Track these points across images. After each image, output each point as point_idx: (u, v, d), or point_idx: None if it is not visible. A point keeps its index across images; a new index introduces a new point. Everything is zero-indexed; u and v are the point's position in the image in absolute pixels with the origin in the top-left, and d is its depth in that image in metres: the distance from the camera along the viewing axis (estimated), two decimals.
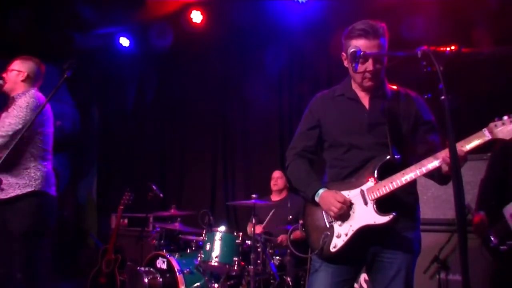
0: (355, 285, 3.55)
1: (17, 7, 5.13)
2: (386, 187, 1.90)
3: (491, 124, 1.77)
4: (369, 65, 1.95)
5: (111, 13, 5.67)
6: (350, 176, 2.05)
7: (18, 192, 2.93)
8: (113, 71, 7.04)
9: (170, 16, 5.76)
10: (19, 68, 3.15)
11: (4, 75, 3.14)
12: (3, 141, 2.87)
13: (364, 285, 3.62)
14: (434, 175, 1.92)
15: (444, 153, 1.79)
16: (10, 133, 2.89)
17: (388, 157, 1.96)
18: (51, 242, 3.18)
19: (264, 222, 4.28)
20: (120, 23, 6.18)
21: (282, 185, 4.74)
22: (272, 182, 4.79)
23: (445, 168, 1.81)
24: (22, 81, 3.14)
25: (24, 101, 2.99)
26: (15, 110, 2.95)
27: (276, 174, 4.82)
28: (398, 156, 1.97)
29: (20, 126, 2.90)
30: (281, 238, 4.25)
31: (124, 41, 6.46)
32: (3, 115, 2.99)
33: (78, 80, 6.41)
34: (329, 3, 4.99)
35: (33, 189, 2.96)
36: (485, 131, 1.77)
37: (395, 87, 2.15)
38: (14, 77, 3.14)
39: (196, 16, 5.71)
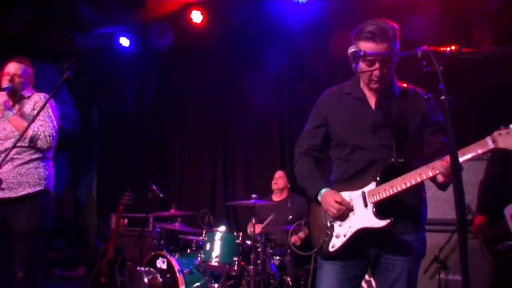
0: None
1: (17, 7, 5.13)
2: (386, 192, 1.89)
3: (495, 133, 1.64)
4: (375, 68, 1.92)
5: (111, 13, 5.67)
6: (354, 177, 2.04)
7: (29, 190, 2.91)
8: (113, 71, 7.05)
9: (170, 16, 5.76)
10: (26, 68, 3.15)
11: (9, 76, 3.07)
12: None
13: (364, 285, 3.62)
14: (433, 180, 1.90)
15: (440, 163, 1.76)
16: (54, 133, 3.01)
17: (392, 160, 1.95)
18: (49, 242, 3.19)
19: (263, 224, 4.24)
20: (120, 23, 6.17)
21: (283, 184, 4.74)
22: (273, 181, 4.80)
23: (439, 177, 1.79)
24: (30, 81, 3.19)
25: (44, 100, 3.05)
26: (47, 110, 3.04)
27: (278, 174, 4.82)
28: (401, 160, 1.95)
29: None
30: (294, 239, 4.16)
31: (124, 41, 6.46)
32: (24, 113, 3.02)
33: (78, 80, 6.42)
34: (329, 3, 4.98)
35: (42, 188, 2.96)
36: (488, 140, 1.65)
37: (405, 85, 2.12)
38: (30, 77, 3.18)
39: (196, 16, 5.70)
